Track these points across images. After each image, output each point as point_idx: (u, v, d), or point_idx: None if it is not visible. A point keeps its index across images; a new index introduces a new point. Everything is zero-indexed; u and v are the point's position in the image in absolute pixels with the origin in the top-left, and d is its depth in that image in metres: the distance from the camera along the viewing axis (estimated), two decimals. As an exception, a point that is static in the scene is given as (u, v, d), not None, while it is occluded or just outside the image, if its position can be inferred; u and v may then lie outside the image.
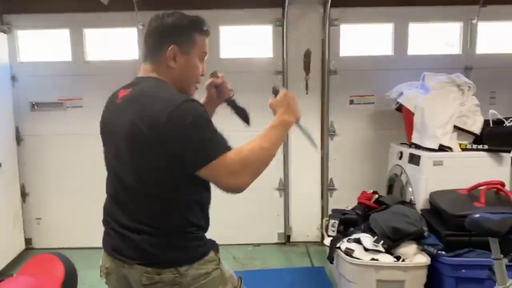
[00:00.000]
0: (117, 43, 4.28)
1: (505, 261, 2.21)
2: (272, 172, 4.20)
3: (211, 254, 1.54)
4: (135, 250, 1.47)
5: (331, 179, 4.33)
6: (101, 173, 1.64)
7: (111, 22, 4.16)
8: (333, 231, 3.31)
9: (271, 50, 4.21)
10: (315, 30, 4.11)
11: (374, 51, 4.27)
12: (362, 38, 4.28)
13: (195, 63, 1.57)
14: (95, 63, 4.21)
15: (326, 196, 4.32)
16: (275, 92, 1.66)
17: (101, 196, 1.65)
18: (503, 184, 3.10)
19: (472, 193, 3.09)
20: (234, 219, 4.20)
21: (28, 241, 4.34)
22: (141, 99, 1.45)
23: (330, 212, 3.46)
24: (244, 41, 4.27)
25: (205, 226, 1.57)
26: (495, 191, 3.07)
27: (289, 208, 4.38)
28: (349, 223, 3.31)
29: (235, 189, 1.43)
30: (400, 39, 4.18)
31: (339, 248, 3.04)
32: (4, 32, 4.10)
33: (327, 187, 4.32)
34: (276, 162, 4.22)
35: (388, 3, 4.10)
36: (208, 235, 1.59)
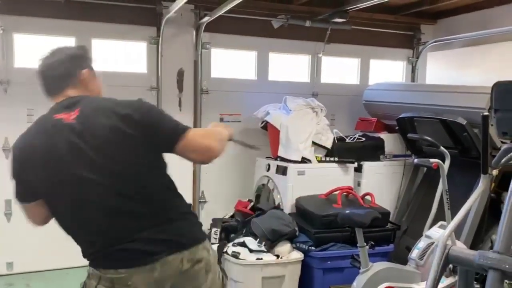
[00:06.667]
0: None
1: (367, 248, 2.78)
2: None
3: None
4: (166, 241, 1.54)
5: (203, 191, 4.56)
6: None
7: None
8: (216, 238, 3.55)
9: (145, 66, 4.29)
10: (188, 51, 4.35)
11: (240, 75, 4.72)
12: (231, 62, 4.69)
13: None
14: None
15: (198, 208, 4.53)
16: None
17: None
18: (351, 188, 3.83)
19: (330, 197, 3.73)
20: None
21: None
22: (104, 109, 1.56)
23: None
24: (117, 56, 4.24)
25: None
26: (346, 194, 3.76)
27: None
28: (229, 230, 3.60)
29: (212, 150, 1.65)
30: (262, 66, 4.73)
31: (225, 252, 3.30)
32: None
33: (198, 200, 4.53)
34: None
35: (252, 33, 4.59)
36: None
